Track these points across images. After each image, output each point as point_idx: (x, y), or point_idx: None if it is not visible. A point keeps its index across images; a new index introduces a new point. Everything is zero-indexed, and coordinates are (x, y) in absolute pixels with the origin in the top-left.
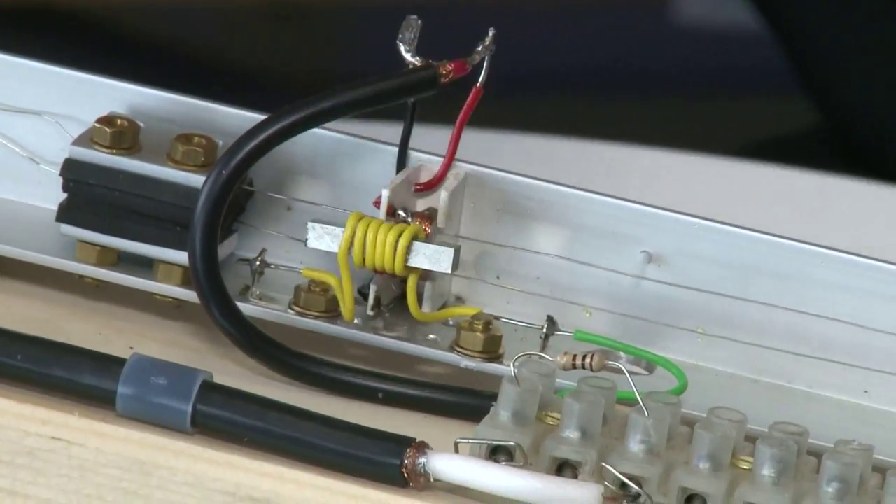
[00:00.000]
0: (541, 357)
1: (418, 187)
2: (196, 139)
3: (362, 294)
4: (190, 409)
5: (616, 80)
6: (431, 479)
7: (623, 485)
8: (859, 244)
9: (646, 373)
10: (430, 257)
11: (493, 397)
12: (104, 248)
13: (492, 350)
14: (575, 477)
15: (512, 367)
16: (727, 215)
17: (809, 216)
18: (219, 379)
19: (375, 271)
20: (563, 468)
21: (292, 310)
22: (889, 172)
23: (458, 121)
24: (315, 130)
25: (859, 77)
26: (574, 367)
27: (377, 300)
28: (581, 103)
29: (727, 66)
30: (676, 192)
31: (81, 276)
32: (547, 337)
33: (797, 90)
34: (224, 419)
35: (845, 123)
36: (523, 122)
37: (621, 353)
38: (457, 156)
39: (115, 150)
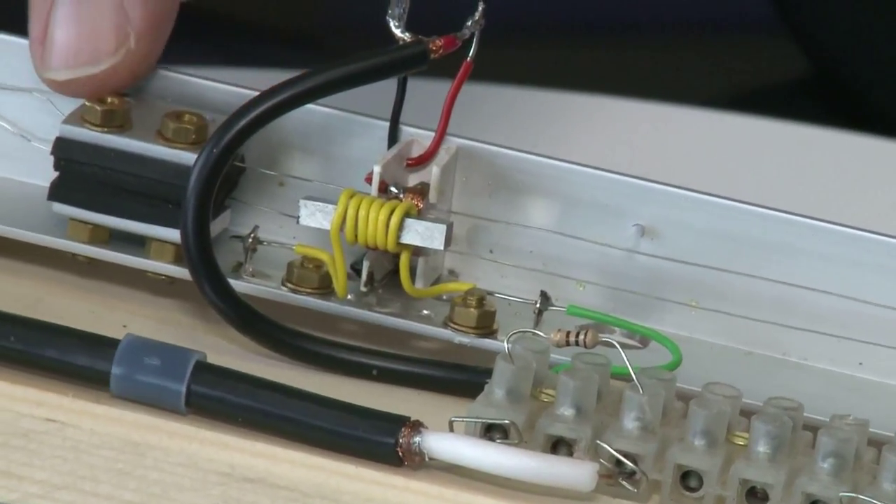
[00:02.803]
0: (534, 334)
1: (410, 162)
2: (187, 116)
3: (355, 270)
4: (184, 389)
5: (596, 30)
6: (426, 458)
7: (618, 462)
8: (848, 198)
9: (640, 346)
10: (423, 234)
11: (487, 373)
12: (96, 226)
13: (486, 325)
14: (570, 454)
15: (506, 345)
16: (710, 168)
17: (795, 169)
18: (212, 357)
19: (368, 247)
20: (559, 446)
21: (285, 286)
22: (876, 123)
23: (448, 95)
24: (306, 106)
25: (847, 21)
26: (568, 344)
27: (370, 276)
28: (561, 54)
29: (709, 13)
30: (657, 145)
31: (73, 255)
32: (540, 312)
33: (782, 36)
34: (218, 399)
35: (832, 72)
36: (505, 73)
37: (615, 328)
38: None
39: (105, 129)
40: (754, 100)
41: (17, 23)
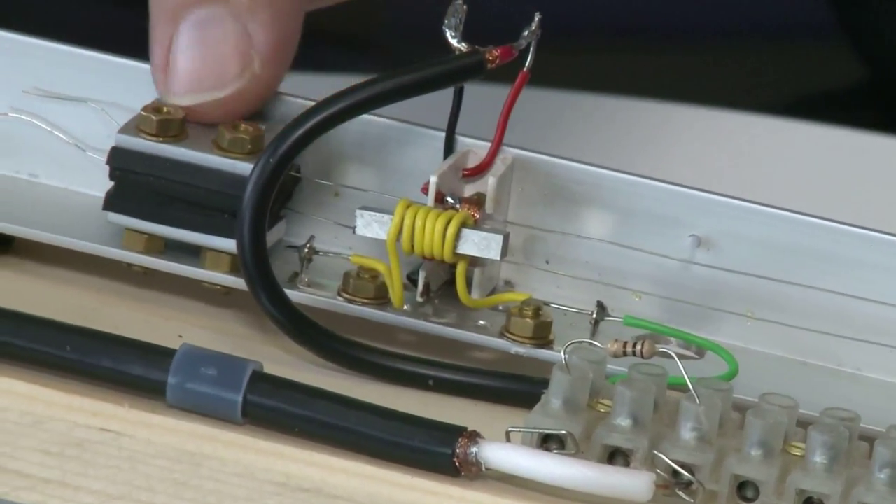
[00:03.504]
0: (591, 344)
1: (466, 173)
2: (242, 126)
3: (411, 280)
4: (240, 399)
5: (654, 36)
6: (483, 469)
7: (675, 472)
8: None
9: (696, 357)
10: (479, 244)
11: (544, 383)
12: (151, 236)
13: (542, 336)
14: (627, 465)
15: (563, 355)
16: (767, 174)
17: (852, 176)
18: (267, 367)
19: (424, 258)
20: (615, 456)
21: (341, 296)
22: None
23: (504, 106)
24: (362, 116)
25: None
26: (625, 354)
27: (426, 286)
28: (619, 59)
29: (767, 20)
30: (713, 151)
31: (129, 265)
32: (597, 322)
33: (841, 43)
34: (274, 409)
35: (891, 78)
36: (561, 79)
37: (671, 338)
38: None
39: (161, 138)
40: (812, 106)
41: (71, 32)
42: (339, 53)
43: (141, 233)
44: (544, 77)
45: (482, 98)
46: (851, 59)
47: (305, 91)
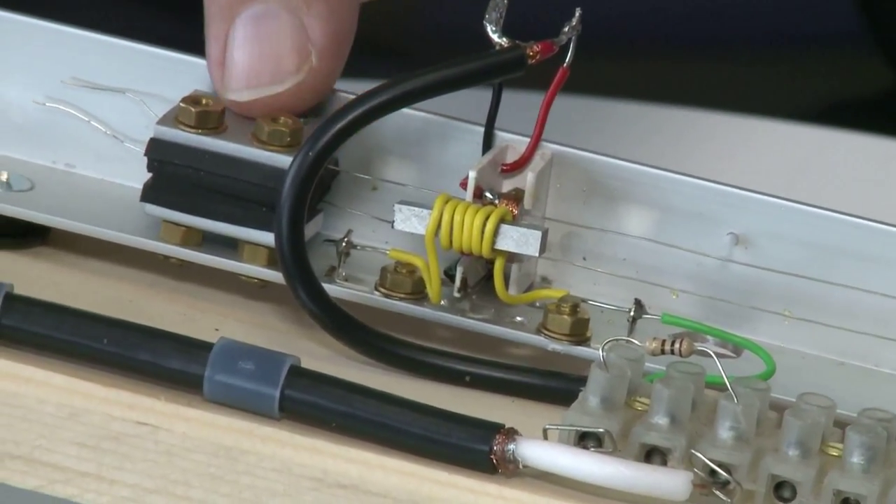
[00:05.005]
0: (629, 342)
1: (504, 168)
2: (282, 119)
3: (449, 275)
4: (278, 394)
5: (686, 44)
6: (520, 466)
7: (712, 472)
8: None
9: (733, 356)
10: (518, 240)
11: (581, 381)
12: (189, 229)
13: (579, 333)
14: (664, 464)
15: (601, 353)
16: (799, 181)
17: (883, 184)
18: (304, 361)
19: (462, 253)
20: (653, 455)
21: (378, 291)
22: None
23: (544, 101)
24: (401, 110)
25: None
26: (663, 352)
27: (464, 282)
28: (652, 67)
29: (798, 27)
30: (745, 158)
31: (165, 257)
32: (634, 320)
33: (872, 50)
34: (312, 405)
35: None
36: (598, 86)
37: (708, 337)
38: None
39: (200, 130)
40: (843, 114)
41: (108, 23)
42: (366, 59)
43: (178, 225)
44: (581, 83)
45: (521, 93)
46: (882, 67)
47: None
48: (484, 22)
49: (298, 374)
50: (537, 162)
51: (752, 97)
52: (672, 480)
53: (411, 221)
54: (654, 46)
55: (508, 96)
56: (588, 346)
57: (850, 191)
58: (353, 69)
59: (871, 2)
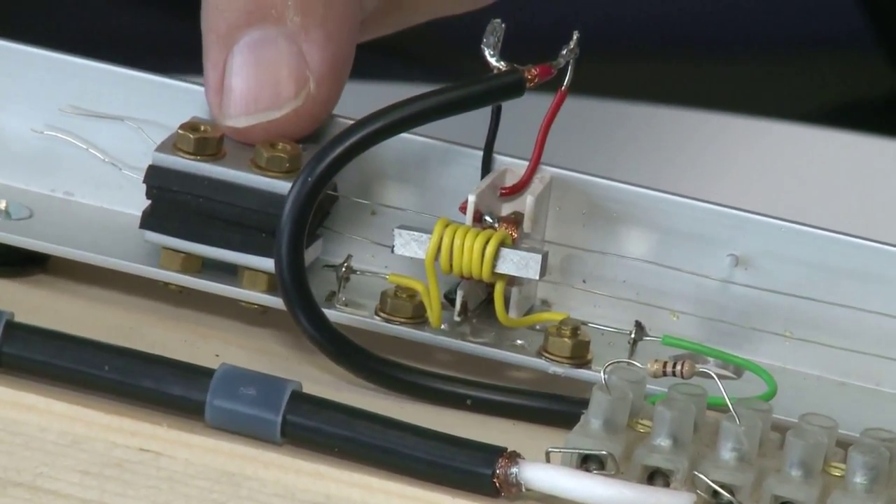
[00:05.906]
0: (630, 364)
1: (504, 191)
2: (280, 145)
3: (449, 300)
4: (280, 419)
5: (690, 45)
6: (523, 489)
7: (715, 493)
8: None
9: (734, 377)
10: (518, 264)
11: (583, 403)
12: (189, 255)
13: (580, 355)
14: (667, 485)
15: (603, 375)
16: (801, 184)
17: (886, 185)
18: (305, 386)
19: (462, 277)
20: (655, 476)
21: (378, 316)
22: None
23: (542, 125)
24: (400, 135)
25: None
26: (664, 374)
27: (464, 306)
28: (656, 69)
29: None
30: (750, 159)
31: (165, 284)
32: (635, 342)
33: (876, 53)
34: (314, 429)
35: None
36: (601, 88)
37: (709, 358)
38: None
39: (199, 157)
40: (848, 115)
41: (106, 51)
42: (373, 61)
43: (178, 251)
44: (583, 86)
45: (519, 116)
46: (887, 68)
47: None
48: (482, 46)
49: (300, 400)
50: (536, 185)
51: (757, 99)
52: (675, 501)
53: (411, 246)
54: (660, 48)
55: (507, 118)
56: (589, 368)
57: (855, 192)
58: (357, 71)
59: (876, 4)
